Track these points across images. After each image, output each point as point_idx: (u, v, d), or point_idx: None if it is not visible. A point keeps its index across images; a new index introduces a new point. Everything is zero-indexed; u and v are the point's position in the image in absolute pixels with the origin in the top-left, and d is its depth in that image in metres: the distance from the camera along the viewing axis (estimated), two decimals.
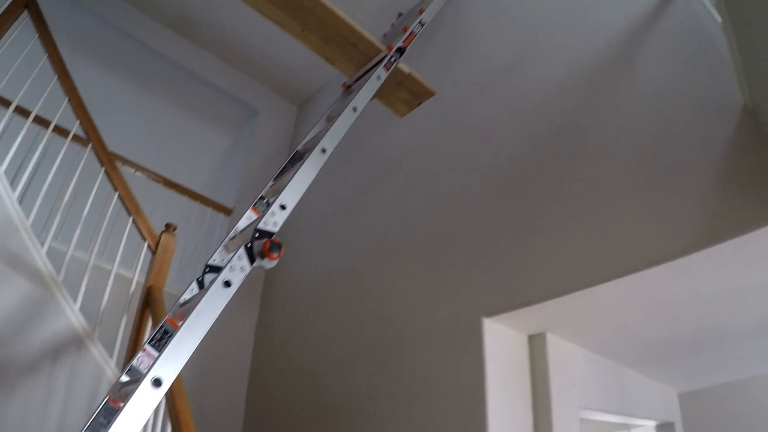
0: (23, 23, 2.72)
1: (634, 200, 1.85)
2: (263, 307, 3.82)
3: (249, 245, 1.26)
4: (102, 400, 1.14)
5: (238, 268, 1.22)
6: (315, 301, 3.23)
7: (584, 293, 1.91)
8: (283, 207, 1.40)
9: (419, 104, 2.46)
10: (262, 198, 1.65)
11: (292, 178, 1.48)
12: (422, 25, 2.59)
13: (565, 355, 2.37)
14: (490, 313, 2.13)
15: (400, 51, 2.25)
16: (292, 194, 1.45)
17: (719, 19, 1.68)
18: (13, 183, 2.39)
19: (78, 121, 2.65)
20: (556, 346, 2.33)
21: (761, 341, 2.59)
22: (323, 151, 1.64)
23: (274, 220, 1.36)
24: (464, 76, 2.92)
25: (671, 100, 1.92)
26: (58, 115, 2.71)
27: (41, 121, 2.73)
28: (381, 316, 2.63)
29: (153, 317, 2.21)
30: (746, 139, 1.64)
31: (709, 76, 1.84)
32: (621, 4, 2.31)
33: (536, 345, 2.32)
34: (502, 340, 2.19)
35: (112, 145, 2.97)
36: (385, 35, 2.77)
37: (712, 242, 1.60)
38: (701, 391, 3.44)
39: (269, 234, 1.32)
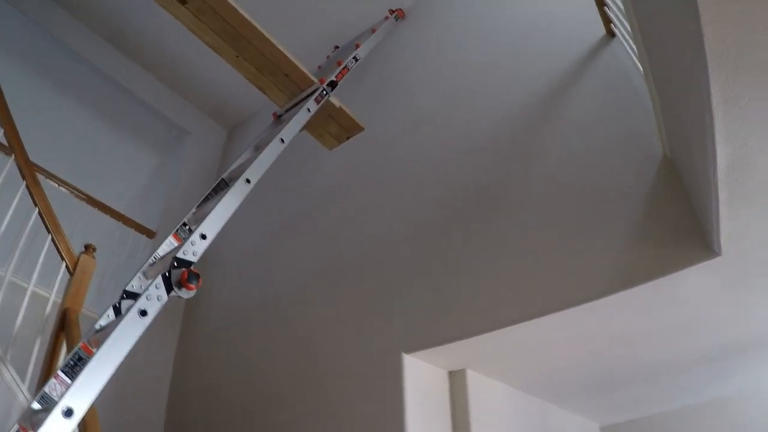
0: None
1: (556, 243, 1.94)
2: (183, 335, 3.70)
3: (167, 274, 1.28)
4: (12, 426, 1.13)
5: (155, 297, 1.24)
6: (240, 330, 3.18)
7: (504, 331, 1.98)
8: (203, 236, 1.43)
9: (348, 138, 2.52)
10: (184, 225, 1.65)
11: (214, 207, 1.51)
12: (356, 60, 2.68)
13: (486, 391, 2.42)
14: (411, 349, 2.18)
15: (332, 85, 2.32)
16: (213, 224, 1.48)
17: (642, 71, 1.81)
18: None
19: (2, 130, 2.58)
20: (477, 382, 2.38)
21: (679, 377, 2.74)
22: (248, 181, 1.68)
23: (194, 250, 1.39)
24: (394, 115, 3.00)
25: (595, 147, 2.03)
26: None
27: None
28: (304, 348, 2.63)
29: (68, 341, 2.14)
30: (665, 188, 1.76)
31: (633, 126, 1.95)
32: (549, 55, 2.44)
33: (457, 381, 2.36)
34: (422, 375, 2.23)
35: (36, 157, 2.89)
36: (319, 67, 2.84)
37: (629, 285, 1.71)
38: (623, 425, 3.52)
39: (188, 263, 1.34)
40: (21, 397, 2.15)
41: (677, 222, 1.68)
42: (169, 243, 1.61)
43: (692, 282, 1.71)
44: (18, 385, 2.17)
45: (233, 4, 1.93)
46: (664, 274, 1.65)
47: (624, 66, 2.12)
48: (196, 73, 4.31)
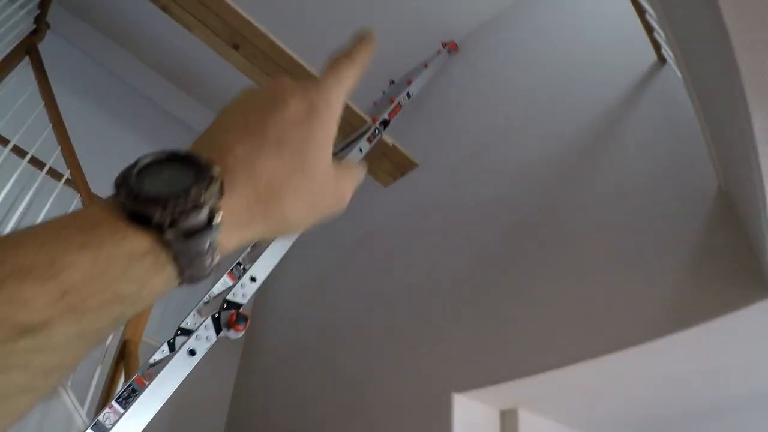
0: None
1: (608, 282, 1.88)
2: (243, 362, 3.82)
3: (216, 315, 1.31)
4: None
5: (204, 337, 1.27)
6: (293, 360, 3.23)
7: (556, 372, 1.92)
8: (253, 279, 1.46)
9: (402, 175, 2.52)
10: (239, 264, 1.69)
11: (265, 249, 1.53)
12: (409, 97, 2.69)
13: (538, 431, 2.34)
14: (461, 388, 2.13)
15: (384, 123, 2.34)
16: (263, 267, 1.51)
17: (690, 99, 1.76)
18: (3, 221, 2.46)
19: (68, 171, 2.73)
20: (529, 422, 2.30)
21: (736, 419, 2.59)
22: None
23: (243, 292, 1.42)
24: (448, 150, 2.98)
25: (648, 179, 1.96)
26: (51, 160, 2.81)
27: (36, 163, 2.82)
28: (353, 383, 2.63)
29: (126, 371, 2.23)
30: (720, 222, 1.68)
31: (687, 155, 1.89)
32: (600, 84, 2.40)
33: (508, 421, 2.29)
34: (472, 415, 2.19)
35: (102, 192, 3.05)
36: (375, 103, 2.87)
37: (684, 326, 1.62)
38: None
39: (237, 305, 1.37)
40: (78, 421, 2.23)
41: (734, 258, 1.59)
42: (223, 282, 1.65)
43: (750, 321, 1.61)
44: (77, 409, 2.26)
45: (284, 47, 1.99)
46: (720, 314, 1.55)
47: (676, 93, 2.05)
48: None
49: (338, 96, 0.38)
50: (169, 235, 0.26)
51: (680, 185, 1.87)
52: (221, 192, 0.28)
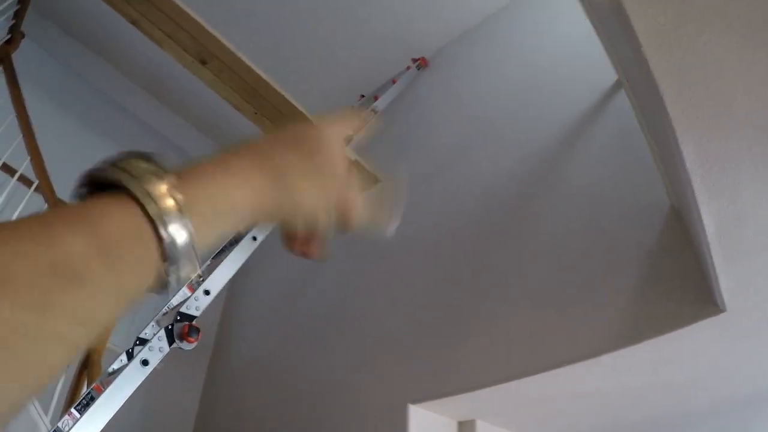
0: None
1: (561, 297, 1.93)
2: (210, 373, 3.82)
3: (170, 327, 1.35)
4: None
5: (157, 348, 1.31)
6: (257, 373, 3.25)
7: (511, 384, 1.95)
8: (207, 292, 1.50)
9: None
10: (199, 276, 1.72)
11: (220, 263, 1.57)
12: (375, 113, 2.74)
13: None
14: (417, 400, 2.16)
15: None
16: (217, 280, 1.55)
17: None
18: None
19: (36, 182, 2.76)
20: None
21: (693, 429, 2.65)
22: (254, 238, 1.75)
23: (197, 305, 1.46)
24: (413, 167, 3.02)
25: (603, 199, 2.02)
26: (22, 167, 2.85)
27: (8, 169, 2.86)
28: (312, 395, 2.66)
29: (88, 380, 2.24)
30: (671, 240, 1.74)
31: (641, 177, 1.94)
32: (562, 101, 2.46)
33: (466, 431, 2.34)
34: (429, 425, 2.23)
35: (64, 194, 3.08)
36: None
37: (635, 341, 1.66)
38: None
39: (190, 318, 1.41)
40: (42, 429, 2.25)
41: (684, 275, 1.66)
42: (183, 293, 1.68)
43: (698, 337, 1.67)
44: (41, 417, 2.28)
45: (248, 62, 2.04)
46: (670, 330, 1.62)
47: (632, 114, 2.11)
48: (233, 124, 4.44)
49: (336, 128, 0.48)
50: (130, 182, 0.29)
51: (634, 205, 1.92)
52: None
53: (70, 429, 1.17)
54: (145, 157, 0.31)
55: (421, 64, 3.44)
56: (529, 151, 2.44)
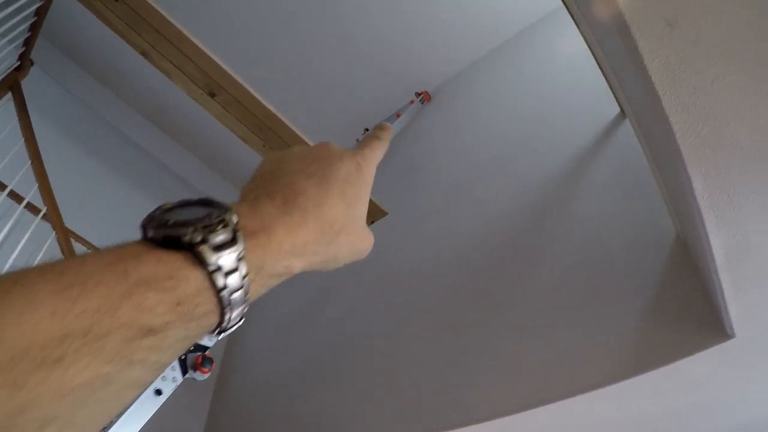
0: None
1: (569, 327, 1.91)
2: (214, 403, 3.79)
3: (183, 357, 1.35)
4: None
5: (170, 378, 1.31)
6: (260, 404, 3.23)
7: (518, 416, 1.93)
8: None
9: (372, 223, 2.54)
10: None
11: None
12: None
13: None
14: None
15: None
16: None
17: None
18: None
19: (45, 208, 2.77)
20: None
21: None
22: None
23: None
24: (419, 200, 3.03)
25: (608, 228, 2.02)
26: (30, 195, 2.85)
27: (15, 196, 2.86)
28: (317, 429, 2.60)
29: None
30: (678, 268, 1.74)
31: (646, 206, 1.94)
32: (566, 134, 2.48)
33: None
34: None
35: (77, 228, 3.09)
36: None
37: (643, 370, 1.67)
38: None
39: (204, 348, 1.41)
40: None
41: (691, 303, 1.66)
42: None
43: (707, 365, 1.67)
44: None
45: (257, 96, 2.07)
46: (679, 357, 1.62)
47: (636, 144, 2.13)
48: (233, 155, 4.49)
49: (374, 164, 0.48)
50: (203, 249, 0.30)
51: (640, 234, 1.92)
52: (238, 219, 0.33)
53: None
54: (212, 214, 0.32)
55: (424, 98, 3.47)
56: (533, 182, 2.45)
